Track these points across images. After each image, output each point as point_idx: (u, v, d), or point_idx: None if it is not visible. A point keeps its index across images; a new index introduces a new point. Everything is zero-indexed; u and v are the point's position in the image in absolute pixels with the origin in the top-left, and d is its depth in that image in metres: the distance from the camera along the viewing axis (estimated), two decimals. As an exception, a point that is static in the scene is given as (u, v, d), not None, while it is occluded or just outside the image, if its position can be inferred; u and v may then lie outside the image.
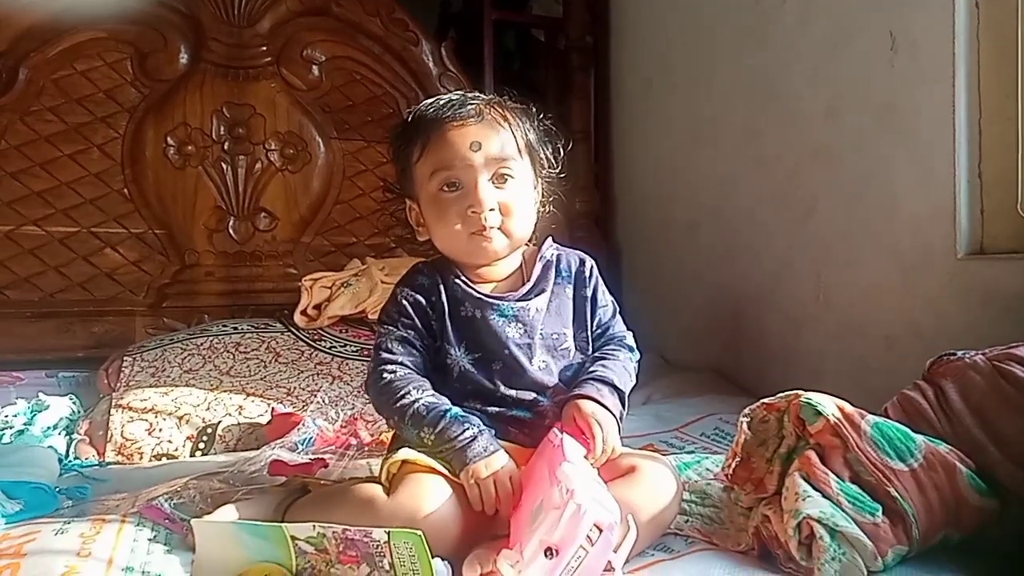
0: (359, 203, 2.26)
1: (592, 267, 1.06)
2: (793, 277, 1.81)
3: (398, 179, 1.04)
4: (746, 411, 0.99)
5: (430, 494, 0.84)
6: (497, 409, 0.96)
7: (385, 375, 0.95)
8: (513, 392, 0.96)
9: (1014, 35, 1.36)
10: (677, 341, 2.25)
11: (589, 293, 1.04)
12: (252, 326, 1.90)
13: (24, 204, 1.93)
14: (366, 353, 1.81)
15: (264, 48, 2.17)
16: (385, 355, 0.96)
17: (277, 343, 1.84)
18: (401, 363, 0.95)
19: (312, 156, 2.21)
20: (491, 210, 0.94)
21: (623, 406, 0.98)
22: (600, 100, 2.60)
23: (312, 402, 1.55)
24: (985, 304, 1.36)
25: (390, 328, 0.98)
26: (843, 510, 0.84)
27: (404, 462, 0.89)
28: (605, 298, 1.06)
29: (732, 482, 0.99)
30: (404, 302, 0.99)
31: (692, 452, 1.34)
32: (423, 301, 0.98)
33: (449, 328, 0.97)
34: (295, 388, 1.68)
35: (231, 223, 2.12)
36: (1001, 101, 1.38)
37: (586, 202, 2.48)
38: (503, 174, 0.96)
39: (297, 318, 1.92)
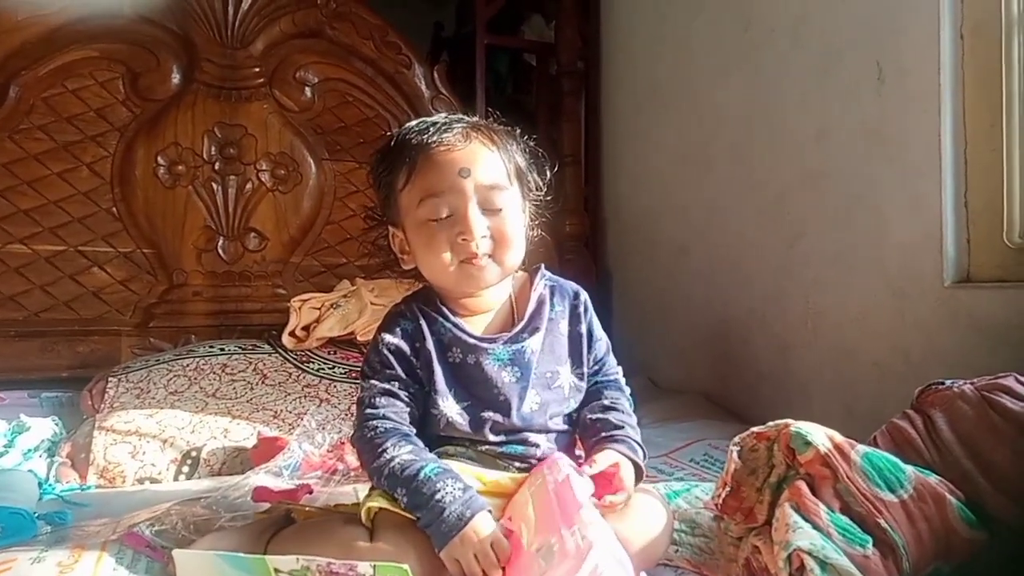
0: (349, 224, 2.25)
1: (586, 300, 1.03)
2: (782, 301, 1.82)
3: (381, 206, 1.00)
4: (736, 440, 0.98)
5: (412, 544, 0.82)
6: (486, 447, 0.94)
7: (367, 432, 0.91)
8: (502, 438, 0.94)
9: (998, 66, 1.38)
10: (666, 364, 2.25)
11: (584, 329, 1.01)
12: (239, 347, 1.88)
13: (11, 222, 1.91)
14: (354, 375, 1.79)
15: (257, 69, 2.18)
16: (368, 411, 0.92)
17: (264, 365, 1.82)
18: (384, 416, 0.91)
19: (303, 177, 2.20)
20: (482, 237, 0.91)
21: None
22: (590, 124, 2.62)
23: (298, 425, 1.53)
24: (973, 332, 1.37)
25: (372, 382, 0.94)
26: (833, 542, 0.83)
27: (381, 509, 0.86)
28: (599, 332, 1.04)
29: (722, 512, 0.98)
30: (386, 351, 0.94)
31: (682, 479, 1.33)
32: (406, 349, 0.95)
33: (437, 376, 0.93)
34: (282, 411, 1.66)
35: (220, 243, 2.11)
36: (986, 131, 1.40)
37: (575, 225, 2.48)
38: (493, 200, 0.92)
39: (285, 339, 1.90)
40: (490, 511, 0.84)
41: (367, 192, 2.26)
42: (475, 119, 0.98)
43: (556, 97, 2.58)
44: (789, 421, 0.95)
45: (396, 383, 0.94)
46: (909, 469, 0.91)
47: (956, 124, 1.43)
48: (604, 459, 0.91)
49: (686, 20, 2.18)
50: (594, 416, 0.99)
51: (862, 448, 0.92)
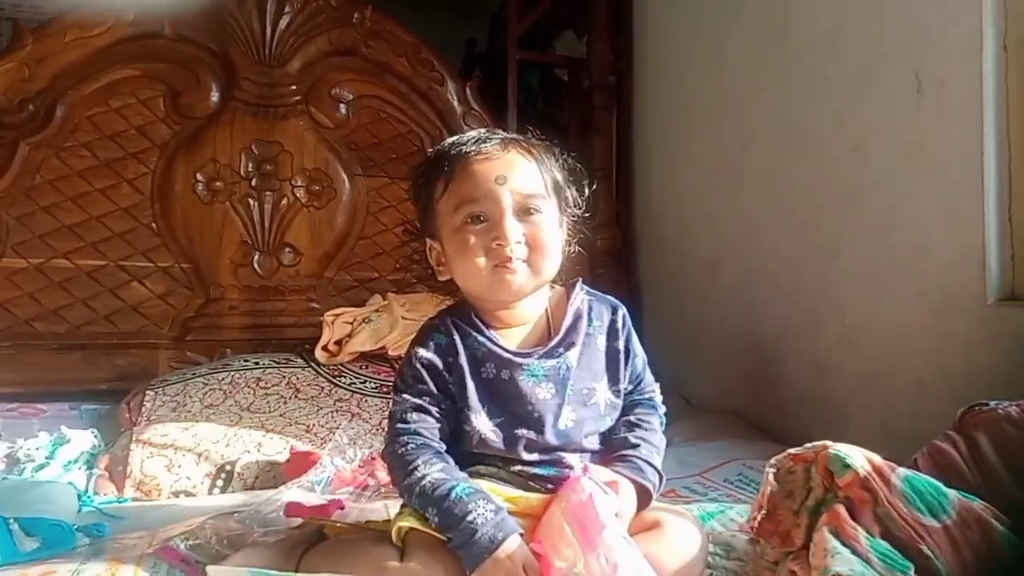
0: (382, 239, 2.27)
1: (624, 316, 1.02)
2: (818, 318, 1.78)
3: (419, 218, 1.01)
4: (772, 461, 0.97)
5: (442, 565, 0.82)
6: (519, 467, 0.93)
7: (398, 448, 0.90)
8: (536, 456, 0.93)
9: (1044, 79, 1.35)
10: (699, 381, 2.22)
11: (622, 345, 1.00)
12: (273, 361, 1.91)
13: (55, 237, 1.96)
14: (385, 390, 1.80)
15: (294, 87, 2.21)
16: (400, 426, 0.92)
17: (297, 379, 1.84)
18: (415, 432, 0.91)
19: (337, 192, 2.23)
20: (517, 243, 0.90)
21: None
22: (622, 138, 2.61)
23: (330, 440, 1.54)
24: (1018, 352, 1.33)
25: (405, 397, 0.94)
26: (873, 568, 0.81)
27: (412, 529, 0.86)
28: (637, 348, 1.03)
29: (758, 535, 0.96)
30: (418, 366, 0.94)
31: (715, 499, 1.31)
32: (439, 364, 0.94)
33: (470, 392, 0.92)
34: (314, 425, 1.68)
35: (256, 258, 2.14)
36: (1031, 145, 1.37)
37: (607, 239, 2.47)
38: (529, 208, 0.92)
39: (318, 353, 1.92)
40: (522, 534, 0.83)
41: (399, 207, 2.29)
42: (513, 135, 0.99)
43: (588, 112, 2.58)
44: (827, 443, 0.93)
45: (428, 398, 0.93)
46: (952, 493, 0.88)
47: (999, 137, 1.40)
48: (602, 476, 0.89)
49: (719, 34, 2.17)
50: (617, 434, 0.99)
51: (903, 471, 0.89)
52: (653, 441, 0.99)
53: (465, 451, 0.94)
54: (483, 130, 0.99)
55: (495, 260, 0.91)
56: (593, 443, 0.97)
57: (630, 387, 1.02)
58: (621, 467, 0.94)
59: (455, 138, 0.98)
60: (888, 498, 0.86)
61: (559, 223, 0.98)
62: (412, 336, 1.01)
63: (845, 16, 1.72)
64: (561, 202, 0.99)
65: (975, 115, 1.41)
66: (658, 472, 0.96)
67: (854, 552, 0.82)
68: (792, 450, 0.96)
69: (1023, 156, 1.38)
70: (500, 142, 0.94)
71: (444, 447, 0.93)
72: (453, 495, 0.84)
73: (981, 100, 1.40)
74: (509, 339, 0.96)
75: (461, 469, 0.92)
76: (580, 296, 1.01)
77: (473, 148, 0.93)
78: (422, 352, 0.95)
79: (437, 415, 0.93)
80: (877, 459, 0.90)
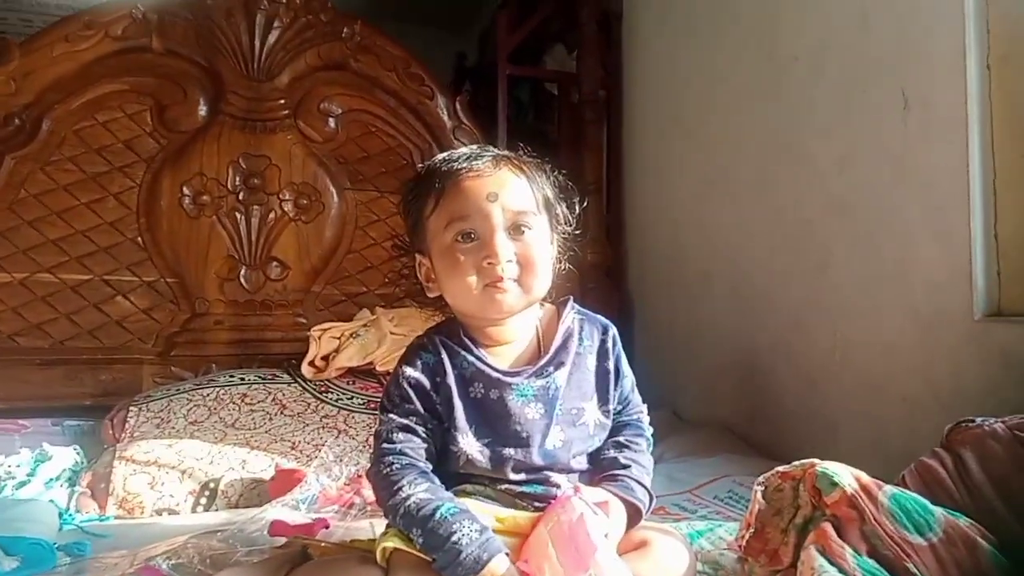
0: (370, 253, 2.26)
1: (615, 336, 1.01)
2: (809, 331, 1.78)
3: (409, 234, 1.00)
4: (760, 479, 0.96)
5: None
6: (506, 486, 0.92)
7: (383, 468, 0.89)
8: (522, 476, 0.92)
9: (1027, 96, 1.36)
10: (689, 396, 2.22)
11: (612, 366, 0.99)
12: (259, 377, 1.89)
13: (39, 252, 1.94)
14: (372, 406, 1.79)
15: (282, 101, 2.21)
16: (385, 446, 0.91)
17: (283, 395, 1.82)
18: (401, 452, 0.90)
19: (325, 206, 2.22)
20: (508, 261, 0.90)
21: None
22: (612, 152, 2.62)
23: (316, 457, 1.52)
24: (1005, 367, 1.33)
25: (391, 416, 0.92)
26: (861, 587, 0.81)
27: (396, 549, 0.85)
28: (625, 369, 1.02)
29: (746, 553, 0.96)
30: (405, 385, 0.93)
31: (705, 517, 1.31)
32: (426, 383, 0.93)
33: (457, 412, 0.91)
34: (300, 442, 1.66)
35: (243, 272, 2.13)
36: (1016, 161, 1.38)
37: (598, 254, 2.47)
38: (520, 226, 0.91)
39: (305, 369, 1.91)
40: (507, 553, 0.82)
41: (388, 221, 2.28)
42: (505, 151, 0.98)
43: (578, 126, 2.58)
44: (815, 461, 0.92)
45: (414, 418, 0.92)
46: (938, 512, 0.88)
47: (984, 154, 1.41)
48: (592, 496, 0.88)
49: (708, 48, 2.18)
50: (606, 454, 0.98)
51: (890, 489, 0.89)
52: (642, 462, 0.98)
53: (452, 471, 0.93)
54: (475, 147, 0.99)
55: (486, 279, 0.90)
56: (581, 463, 0.96)
57: (619, 407, 1.01)
58: (611, 487, 0.93)
59: (446, 154, 0.97)
60: (875, 516, 0.85)
61: (550, 240, 0.97)
62: (400, 352, 1.00)
63: (832, 32, 1.73)
64: (552, 219, 0.98)
65: (960, 131, 1.42)
66: (648, 492, 0.96)
67: (841, 571, 0.82)
68: (780, 468, 0.95)
69: (1008, 173, 1.39)
70: (491, 159, 0.93)
71: (430, 467, 0.92)
72: (438, 515, 0.82)
73: (966, 117, 1.41)
74: (498, 357, 0.95)
75: (448, 488, 0.91)
76: (571, 315, 1.00)
77: (464, 165, 0.92)
78: (409, 371, 0.94)
79: (423, 435, 0.92)
80: (864, 477, 0.90)
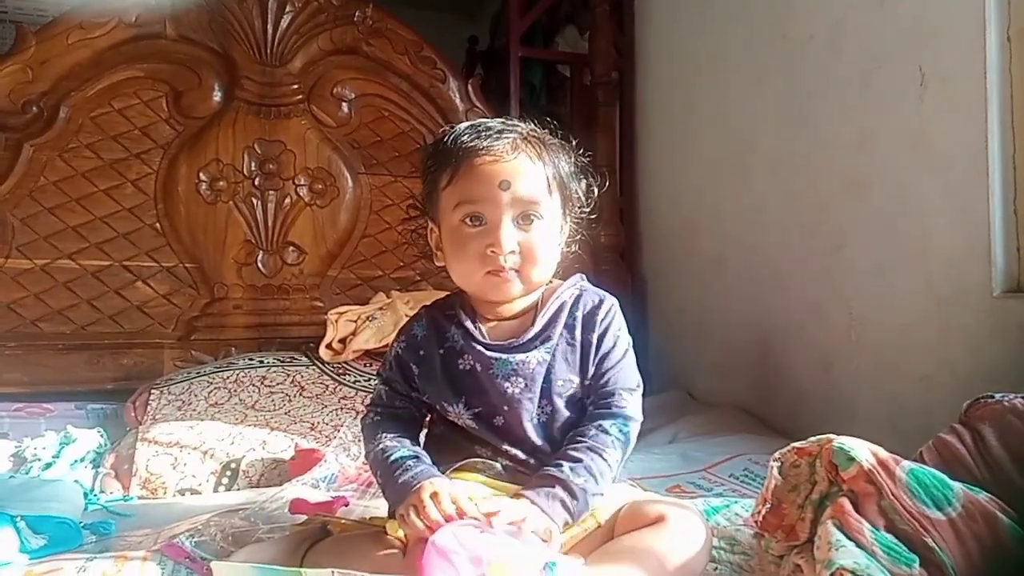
0: (385, 237, 2.28)
1: (609, 309, 0.98)
2: (824, 312, 1.78)
3: (424, 198, 1.00)
4: (776, 455, 0.96)
5: None
6: (507, 462, 0.94)
7: (366, 420, 0.99)
8: (514, 449, 0.93)
9: (1048, 70, 1.34)
10: (703, 376, 2.22)
11: (595, 338, 0.95)
12: (278, 359, 1.91)
13: (59, 238, 1.97)
14: (387, 388, 1.80)
15: (296, 86, 2.22)
16: (373, 402, 1.02)
17: (302, 377, 1.84)
18: (383, 407, 0.99)
19: (340, 191, 2.23)
20: (511, 252, 0.90)
21: (585, 504, 0.87)
22: (625, 134, 2.61)
23: (335, 437, 1.54)
24: (1023, 343, 1.32)
25: (381, 378, 1.02)
26: (878, 561, 0.81)
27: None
28: (612, 343, 0.96)
29: (762, 529, 0.96)
30: (392, 356, 1.01)
31: (721, 494, 1.31)
32: (409, 356, 0.99)
33: (443, 385, 0.95)
34: (319, 423, 1.68)
35: (260, 257, 2.15)
36: (1036, 137, 1.36)
37: (611, 236, 2.47)
38: (529, 215, 0.91)
39: (322, 352, 1.92)
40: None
41: (402, 205, 2.27)
42: (529, 128, 0.97)
43: (591, 108, 2.57)
44: (831, 436, 0.92)
45: (397, 384, 1.00)
46: (957, 486, 0.88)
47: (1004, 129, 1.39)
48: (508, 513, 0.80)
49: (722, 29, 2.16)
50: (566, 444, 0.91)
51: (907, 464, 0.89)
52: (588, 461, 0.88)
53: (459, 440, 0.95)
54: (500, 121, 0.97)
55: (488, 267, 0.91)
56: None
57: (601, 380, 0.95)
58: (532, 495, 0.84)
59: (471, 125, 0.95)
60: (892, 491, 0.85)
61: (560, 224, 0.97)
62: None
63: (848, 10, 1.71)
64: (566, 202, 0.98)
65: (979, 107, 1.40)
66: (583, 494, 0.86)
67: (858, 545, 0.82)
68: (796, 444, 0.95)
69: (1028, 148, 1.37)
70: (512, 141, 0.92)
71: (412, 427, 0.99)
72: (392, 458, 0.90)
73: (985, 92, 1.39)
74: (497, 331, 0.97)
75: (454, 461, 0.93)
76: (569, 291, 0.99)
77: (483, 145, 0.91)
78: (401, 340, 1.01)
79: (402, 400, 0.99)
80: (882, 452, 0.90)
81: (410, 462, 0.89)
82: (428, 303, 1.04)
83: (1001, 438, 0.97)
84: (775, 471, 0.95)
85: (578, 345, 0.96)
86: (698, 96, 2.29)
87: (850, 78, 1.70)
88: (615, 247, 2.49)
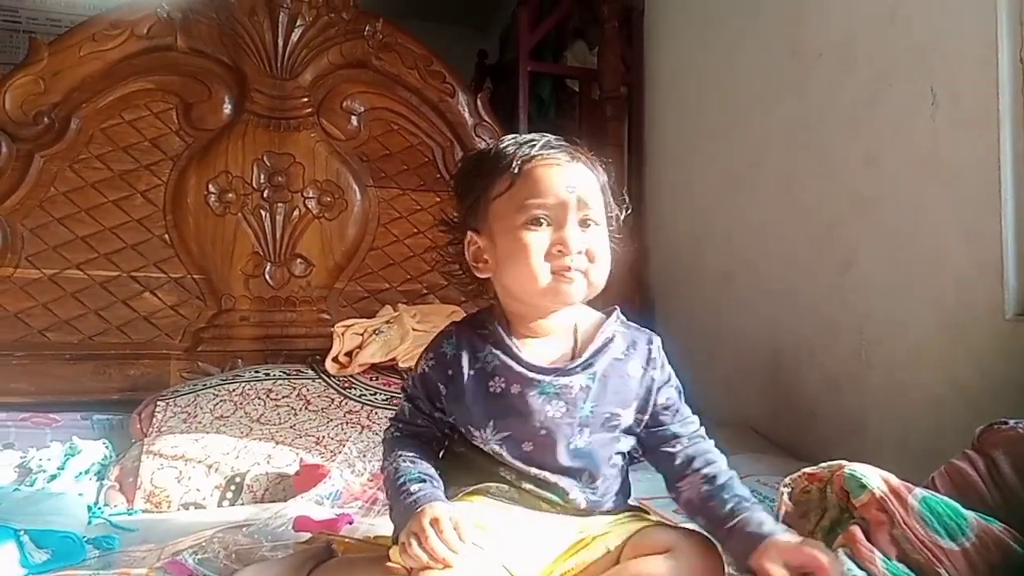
0: (393, 249, 2.28)
1: (659, 347, 1.00)
2: (833, 331, 1.76)
3: (461, 210, 0.99)
4: (787, 480, 0.95)
5: None
6: (530, 486, 0.91)
7: (387, 435, 0.99)
8: (543, 472, 0.91)
9: (1061, 91, 1.33)
10: (711, 395, 2.19)
11: (657, 375, 0.98)
12: (284, 372, 1.91)
13: (69, 248, 1.97)
14: (395, 402, 1.80)
15: (305, 99, 2.22)
16: (396, 417, 1.01)
17: (308, 390, 1.84)
18: (405, 424, 0.98)
19: (348, 204, 2.24)
20: (578, 253, 0.90)
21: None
22: (633, 149, 2.60)
23: (340, 452, 1.53)
24: (1037, 367, 1.31)
25: (408, 393, 1.00)
26: (890, 591, 0.80)
27: None
28: (672, 379, 1.00)
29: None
30: (422, 368, 0.98)
31: (728, 516, 1.29)
32: (436, 375, 0.96)
33: (471, 408, 0.92)
34: (324, 437, 1.67)
35: (268, 269, 2.15)
36: (1049, 158, 1.35)
37: (618, 251, 2.45)
38: (588, 219, 0.92)
39: (328, 365, 1.92)
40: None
41: (410, 218, 2.30)
42: (573, 144, 0.98)
43: (599, 123, 2.57)
44: (843, 462, 0.91)
45: (421, 403, 0.97)
46: (971, 515, 0.87)
47: (1016, 150, 1.38)
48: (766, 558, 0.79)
49: (731, 44, 2.16)
50: (723, 496, 0.90)
51: (920, 492, 0.88)
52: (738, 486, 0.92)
53: (480, 461, 0.93)
54: (543, 135, 0.98)
55: (555, 267, 0.90)
56: (616, 463, 0.96)
57: (667, 415, 0.98)
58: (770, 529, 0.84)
59: (520, 138, 0.97)
60: (905, 520, 0.84)
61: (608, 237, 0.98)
62: (422, 347, 1.02)
63: (859, 27, 1.71)
64: (609, 213, 0.99)
65: (991, 127, 1.39)
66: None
67: (869, 575, 0.81)
68: (807, 469, 0.95)
69: (1041, 169, 1.36)
70: (568, 151, 0.94)
71: (430, 443, 0.97)
72: (401, 480, 0.89)
73: (998, 112, 1.38)
74: (531, 350, 0.95)
75: (471, 483, 0.91)
76: (614, 324, 0.99)
77: (543, 152, 0.93)
78: (429, 357, 0.98)
79: (426, 420, 0.98)
80: (894, 479, 0.89)
81: (415, 485, 0.88)
82: (458, 320, 1.02)
83: (1015, 465, 0.95)
84: (785, 497, 0.94)
85: (634, 380, 0.96)
86: (707, 111, 2.28)
87: (860, 95, 1.70)
88: (623, 262, 2.47)
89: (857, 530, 0.85)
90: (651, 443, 0.98)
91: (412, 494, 0.86)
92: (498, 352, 0.94)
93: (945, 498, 0.89)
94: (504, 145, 0.96)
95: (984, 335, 1.40)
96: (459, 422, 0.94)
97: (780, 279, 1.95)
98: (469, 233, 0.97)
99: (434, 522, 0.79)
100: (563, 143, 0.96)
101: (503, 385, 0.92)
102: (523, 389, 0.92)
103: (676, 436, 0.97)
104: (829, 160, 1.79)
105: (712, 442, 0.99)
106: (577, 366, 0.94)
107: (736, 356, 2.11)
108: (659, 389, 0.97)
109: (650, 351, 0.99)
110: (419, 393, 0.97)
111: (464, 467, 0.95)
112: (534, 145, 0.94)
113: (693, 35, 2.35)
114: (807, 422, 1.83)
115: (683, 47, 2.41)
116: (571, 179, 0.92)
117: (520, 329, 0.96)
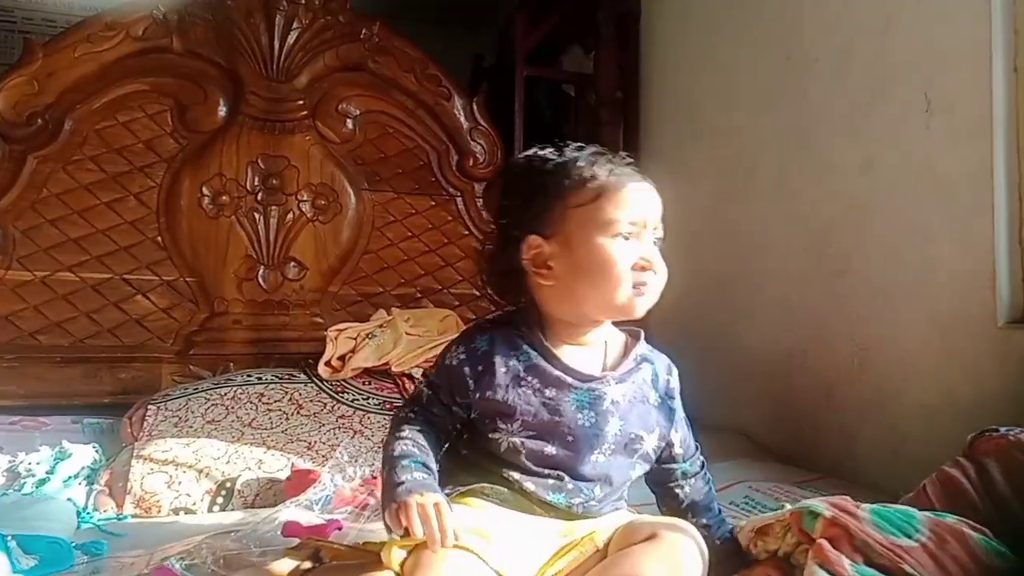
0: (387, 253, 2.27)
1: (677, 376, 1.06)
2: (827, 337, 1.76)
3: (526, 216, 0.96)
4: (744, 542, 0.98)
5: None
6: (532, 488, 0.91)
7: (400, 413, 0.99)
8: (556, 471, 0.92)
9: (1054, 99, 1.33)
10: (704, 401, 2.17)
11: (676, 405, 1.03)
12: (276, 376, 1.90)
13: (60, 251, 1.97)
14: (388, 407, 1.79)
15: (301, 102, 2.22)
16: (413, 398, 1.01)
17: (300, 395, 1.83)
18: (421, 408, 0.97)
19: (343, 207, 2.23)
20: (657, 269, 0.95)
21: None
22: (629, 154, 2.60)
23: (331, 457, 1.53)
24: (1029, 376, 1.31)
25: (429, 381, 1.00)
26: (863, 594, 0.80)
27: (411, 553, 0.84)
28: (679, 404, 1.05)
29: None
30: (450, 360, 0.97)
31: (720, 523, 1.29)
32: (465, 369, 0.95)
33: (501, 404, 0.92)
34: (315, 442, 1.67)
35: (261, 272, 2.14)
36: (1042, 166, 1.35)
37: (614, 256, 2.45)
38: (655, 239, 0.97)
39: (321, 369, 1.91)
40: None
41: (405, 222, 2.29)
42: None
43: (595, 127, 2.57)
44: (787, 508, 0.95)
45: (442, 394, 0.97)
46: (920, 514, 0.90)
47: (1009, 158, 1.38)
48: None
49: (727, 50, 2.16)
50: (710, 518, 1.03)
51: (867, 505, 0.91)
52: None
53: (493, 456, 0.93)
54: (606, 151, 1.00)
55: (637, 279, 0.93)
56: (626, 485, 0.98)
57: (682, 446, 1.03)
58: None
59: (589, 148, 0.99)
60: (860, 528, 0.86)
61: None
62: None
63: (855, 35, 1.71)
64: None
65: (985, 136, 1.39)
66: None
67: (836, 578, 0.82)
68: (756, 523, 0.97)
69: (1033, 177, 1.36)
70: (638, 171, 0.98)
71: (439, 433, 0.97)
72: (403, 462, 0.88)
73: (991, 121, 1.39)
74: (565, 356, 0.96)
75: (466, 483, 0.92)
76: (644, 347, 1.03)
77: (627, 171, 0.97)
78: (451, 357, 0.97)
79: (442, 410, 0.97)
80: (839, 500, 0.91)
81: (419, 473, 0.87)
82: (489, 319, 1.03)
83: (1006, 473, 0.96)
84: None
85: (655, 408, 1.00)
86: (702, 117, 2.29)
87: (855, 102, 1.70)
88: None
89: (824, 543, 0.86)
90: (659, 477, 1.03)
91: (406, 470, 0.87)
92: (535, 353, 0.95)
93: (893, 505, 0.92)
94: (576, 155, 0.97)
95: (976, 343, 1.40)
96: (485, 413, 0.94)
97: (775, 285, 1.95)
98: (532, 236, 0.96)
99: (437, 506, 0.80)
100: (631, 161, 1.00)
101: (537, 385, 0.93)
102: (558, 393, 0.93)
103: (684, 475, 1.03)
104: (824, 167, 1.79)
105: (709, 476, 1.07)
106: (611, 380, 0.96)
107: (730, 362, 2.11)
108: (677, 422, 1.02)
109: (669, 381, 1.03)
110: (442, 383, 0.96)
111: (464, 467, 0.95)
112: (610, 160, 0.97)
113: (689, 40, 2.35)
114: (799, 428, 1.83)
115: (679, 52, 2.41)
116: (654, 199, 0.97)
117: (558, 336, 0.97)
